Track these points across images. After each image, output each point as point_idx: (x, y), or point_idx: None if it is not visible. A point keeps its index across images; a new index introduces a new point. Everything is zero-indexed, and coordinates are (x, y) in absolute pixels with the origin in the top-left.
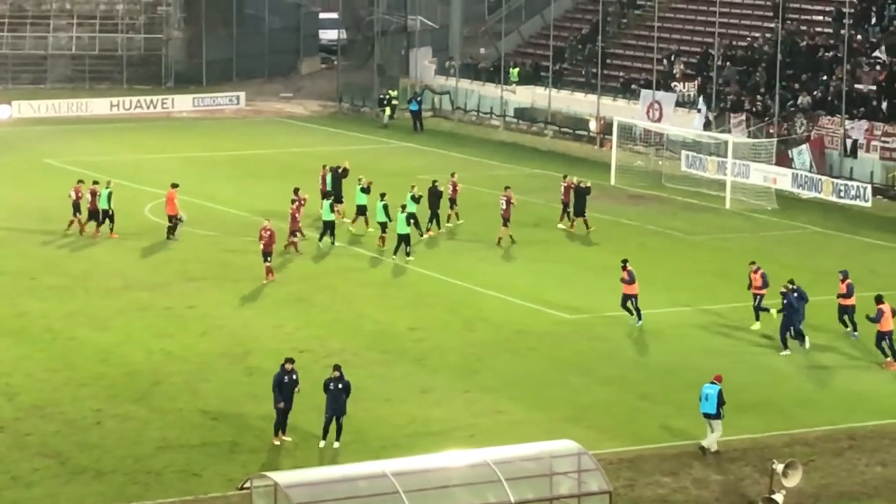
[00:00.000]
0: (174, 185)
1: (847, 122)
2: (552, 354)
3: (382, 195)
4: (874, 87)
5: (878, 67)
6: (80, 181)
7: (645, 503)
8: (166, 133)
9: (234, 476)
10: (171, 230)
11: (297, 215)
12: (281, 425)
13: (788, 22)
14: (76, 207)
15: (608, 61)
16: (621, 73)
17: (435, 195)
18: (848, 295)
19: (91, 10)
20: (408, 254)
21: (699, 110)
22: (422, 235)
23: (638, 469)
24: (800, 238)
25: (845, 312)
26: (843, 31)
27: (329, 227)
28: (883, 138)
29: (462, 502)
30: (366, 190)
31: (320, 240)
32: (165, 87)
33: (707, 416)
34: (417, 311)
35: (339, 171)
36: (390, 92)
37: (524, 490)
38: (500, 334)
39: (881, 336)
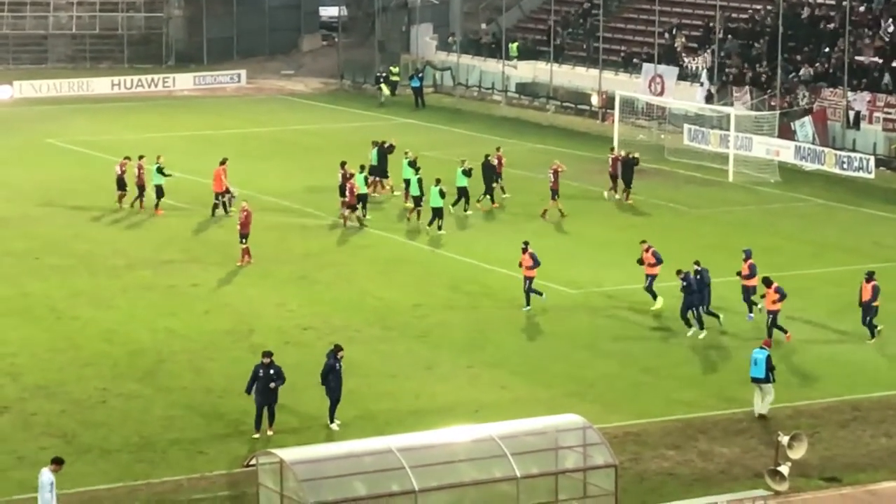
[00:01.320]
0: (222, 162)
1: (849, 93)
2: (556, 330)
3: (417, 169)
4: (876, 59)
5: (880, 38)
6: (127, 157)
7: (650, 476)
8: (168, 112)
9: (240, 453)
10: (218, 207)
11: (354, 189)
12: (259, 419)
13: None
14: (120, 183)
15: (609, 35)
16: (623, 48)
17: (489, 169)
18: (750, 276)
19: None
20: (440, 227)
21: (701, 84)
22: (466, 211)
23: (643, 443)
24: (803, 210)
25: (748, 293)
26: (844, 3)
27: (362, 201)
28: (886, 109)
29: (467, 477)
30: (413, 164)
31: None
32: (166, 66)
33: (757, 380)
34: (420, 287)
35: (385, 146)
36: (391, 68)
37: (530, 464)
38: (503, 310)
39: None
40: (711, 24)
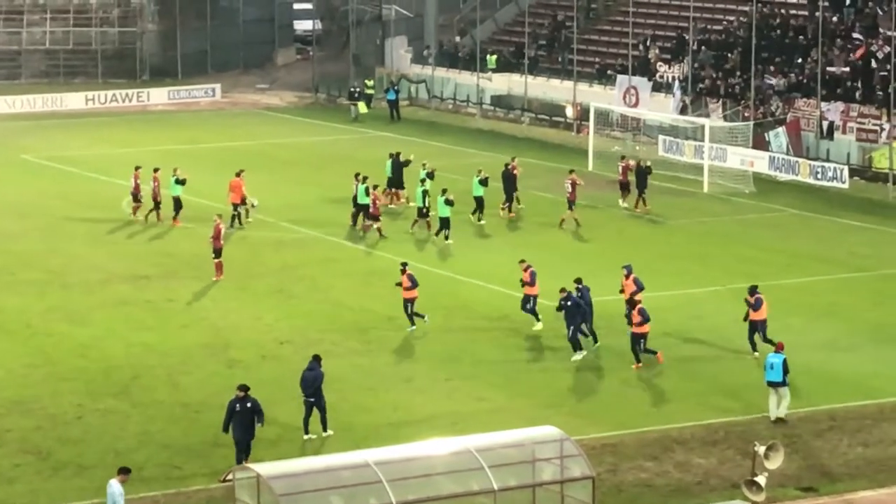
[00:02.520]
0: (238, 174)
1: (823, 103)
2: (533, 341)
3: (422, 181)
4: (849, 69)
5: (852, 49)
6: (138, 167)
7: (627, 488)
8: (142, 126)
9: (217, 468)
10: (236, 218)
11: (377, 200)
12: (240, 456)
13: (762, 5)
14: (135, 195)
15: (583, 47)
16: (597, 59)
17: (509, 178)
18: (636, 290)
19: (64, 4)
20: (447, 237)
21: (675, 95)
22: (480, 221)
23: (620, 454)
24: (778, 221)
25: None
26: (817, 14)
27: (362, 211)
28: (859, 119)
29: (445, 490)
30: (431, 175)
31: (354, 223)
32: (140, 81)
33: (774, 384)
34: (397, 300)
35: (402, 160)
36: (366, 82)
37: (507, 477)
38: (480, 322)
39: (636, 338)
40: (685, 36)
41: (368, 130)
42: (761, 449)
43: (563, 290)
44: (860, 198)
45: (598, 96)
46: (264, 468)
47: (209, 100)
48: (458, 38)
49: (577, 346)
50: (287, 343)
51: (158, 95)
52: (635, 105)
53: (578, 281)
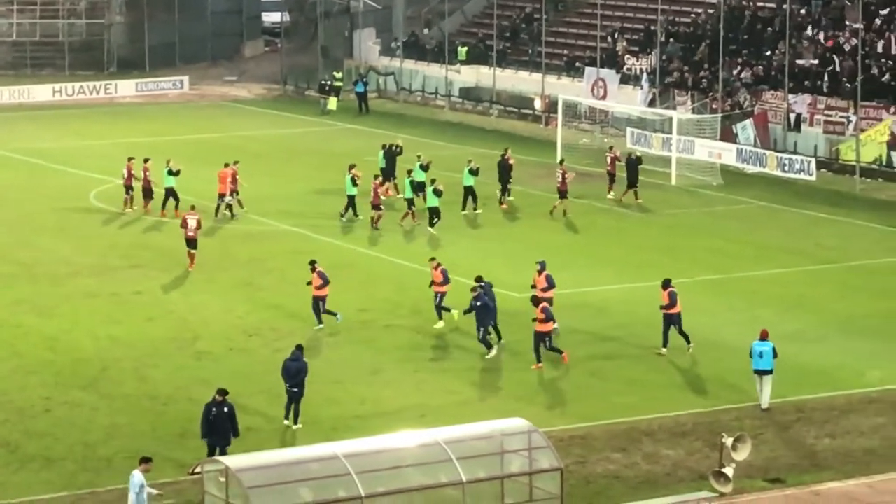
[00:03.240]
0: (227, 164)
1: (790, 96)
2: (501, 333)
3: (409, 171)
4: (816, 62)
5: (820, 41)
6: (131, 158)
7: (596, 479)
8: (110, 119)
9: (185, 461)
10: (226, 207)
11: (378, 190)
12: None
13: None
14: (128, 187)
15: (552, 40)
16: (565, 52)
17: (505, 168)
18: (548, 287)
19: None
20: (432, 225)
21: (643, 87)
22: (475, 210)
23: (588, 446)
24: (746, 213)
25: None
26: (784, 6)
27: (350, 202)
28: (826, 112)
29: (414, 482)
30: (425, 167)
31: (343, 215)
32: (108, 73)
33: (763, 372)
34: (366, 292)
35: (394, 148)
36: (335, 74)
37: (476, 469)
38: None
39: (539, 337)
40: (653, 28)
41: (337, 123)
42: (729, 440)
43: (473, 288)
44: (827, 190)
45: (567, 88)
46: (233, 461)
47: (177, 92)
48: (426, 31)
49: (489, 345)
50: (255, 336)
51: (126, 88)
52: (603, 97)
53: (479, 279)
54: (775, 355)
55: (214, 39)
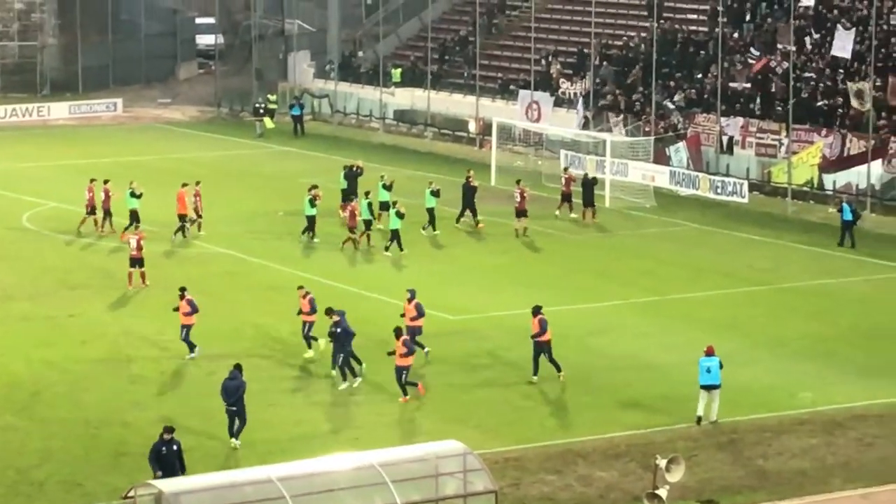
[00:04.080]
0: (184, 185)
1: (722, 119)
2: (436, 355)
3: (367, 193)
4: (748, 85)
5: (751, 64)
6: (93, 179)
7: (530, 501)
8: (43, 141)
9: (119, 485)
10: (181, 230)
11: (355, 212)
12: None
13: (663, 21)
14: (90, 207)
15: (486, 62)
16: (499, 74)
17: (469, 190)
18: (417, 316)
19: None
20: (387, 249)
21: (577, 110)
22: (434, 231)
23: (523, 468)
24: (679, 235)
25: (414, 334)
26: (717, 30)
27: (310, 223)
28: (758, 134)
29: None
30: (388, 187)
31: (303, 233)
32: (41, 95)
33: (710, 387)
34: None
35: (354, 169)
36: (269, 96)
37: (410, 491)
38: (382, 336)
39: (398, 371)
40: (587, 51)
41: (272, 145)
42: (662, 462)
43: (330, 313)
44: (759, 212)
45: (501, 111)
46: (166, 484)
47: (111, 114)
48: (360, 53)
49: (345, 375)
50: (188, 358)
51: (59, 110)
52: (537, 120)
53: (329, 311)
54: (721, 367)
55: (148, 62)
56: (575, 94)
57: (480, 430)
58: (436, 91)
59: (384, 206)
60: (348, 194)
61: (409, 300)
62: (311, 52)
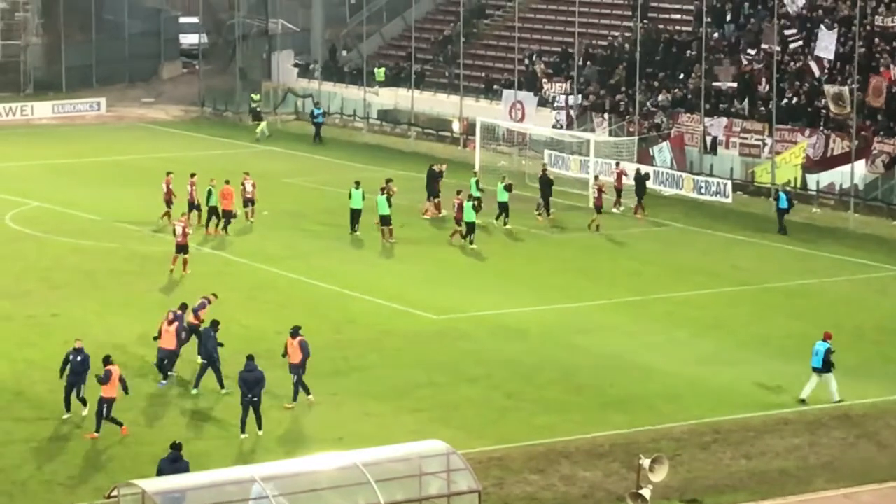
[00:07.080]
0: (227, 182)
1: (706, 119)
2: (419, 355)
3: (383, 189)
4: (733, 85)
5: (735, 65)
6: (170, 173)
7: (514, 501)
8: (26, 140)
9: (102, 485)
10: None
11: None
12: (66, 400)
13: (647, 21)
14: (168, 200)
15: (470, 62)
16: (483, 74)
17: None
18: (304, 358)
19: None
20: (471, 242)
21: (561, 109)
22: (506, 225)
23: (506, 468)
24: (662, 235)
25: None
26: (701, 29)
27: (384, 220)
28: (742, 135)
29: None
30: (508, 188)
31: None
32: (24, 95)
33: (815, 370)
34: (284, 314)
35: (437, 170)
36: (252, 95)
37: (394, 491)
38: (366, 336)
39: (101, 403)
40: (570, 51)
41: (255, 144)
42: (646, 462)
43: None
44: (743, 212)
45: (485, 111)
46: (149, 484)
47: (94, 114)
48: (343, 52)
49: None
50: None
51: (43, 109)
52: (521, 120)
53: (185, 314)
54: (828, 358)
55: (132, 61)
56: (559, 94)
57: (464, 430)
58: (420, 91)
59: (503, 207)
60: (430, 194)
61: (293, 336)
62: (294, 52)
